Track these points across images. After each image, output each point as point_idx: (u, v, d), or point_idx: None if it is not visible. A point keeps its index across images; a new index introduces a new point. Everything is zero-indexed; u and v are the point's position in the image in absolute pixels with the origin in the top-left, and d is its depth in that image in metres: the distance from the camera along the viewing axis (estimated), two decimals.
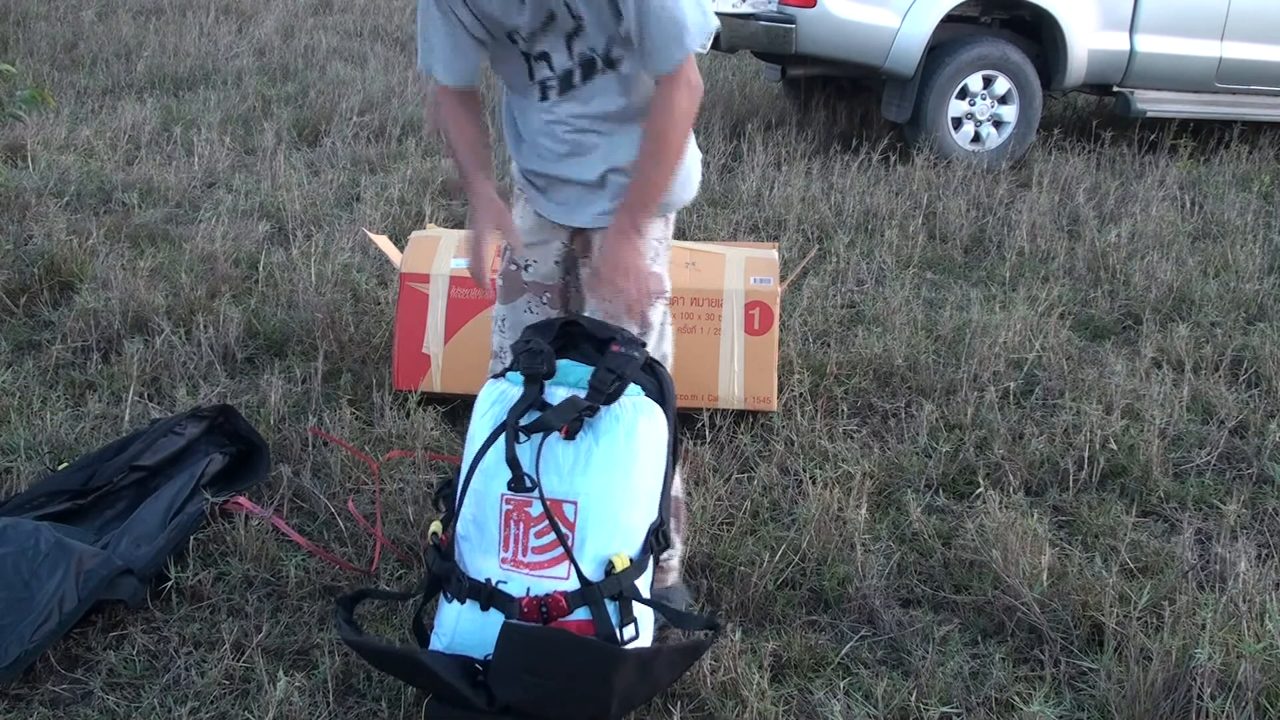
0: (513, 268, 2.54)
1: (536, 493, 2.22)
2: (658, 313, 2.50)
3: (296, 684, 2.34)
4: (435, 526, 2.40)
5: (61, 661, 2.44)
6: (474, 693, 2.18)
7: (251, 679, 2.41)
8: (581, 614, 2.24)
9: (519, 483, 2.22)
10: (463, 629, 2.28)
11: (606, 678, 2.15)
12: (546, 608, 2.23)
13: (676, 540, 2.62)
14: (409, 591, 2.62)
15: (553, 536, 2.24)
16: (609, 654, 2.17)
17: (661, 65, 2.20)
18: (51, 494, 2.80)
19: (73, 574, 2.44)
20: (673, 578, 2.64)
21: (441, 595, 2.34)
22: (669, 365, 2.53)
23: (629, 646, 2.25)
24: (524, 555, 2.26)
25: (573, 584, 2.24)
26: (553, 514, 2.22)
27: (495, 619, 2.23)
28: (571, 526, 2.24)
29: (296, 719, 2.28)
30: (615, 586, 2.24)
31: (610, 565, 2.25)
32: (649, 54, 2.19)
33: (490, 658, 2.20)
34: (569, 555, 2.22)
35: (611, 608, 2.25)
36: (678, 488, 2.57)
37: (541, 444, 2.25)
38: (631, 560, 2.27)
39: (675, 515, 2.58)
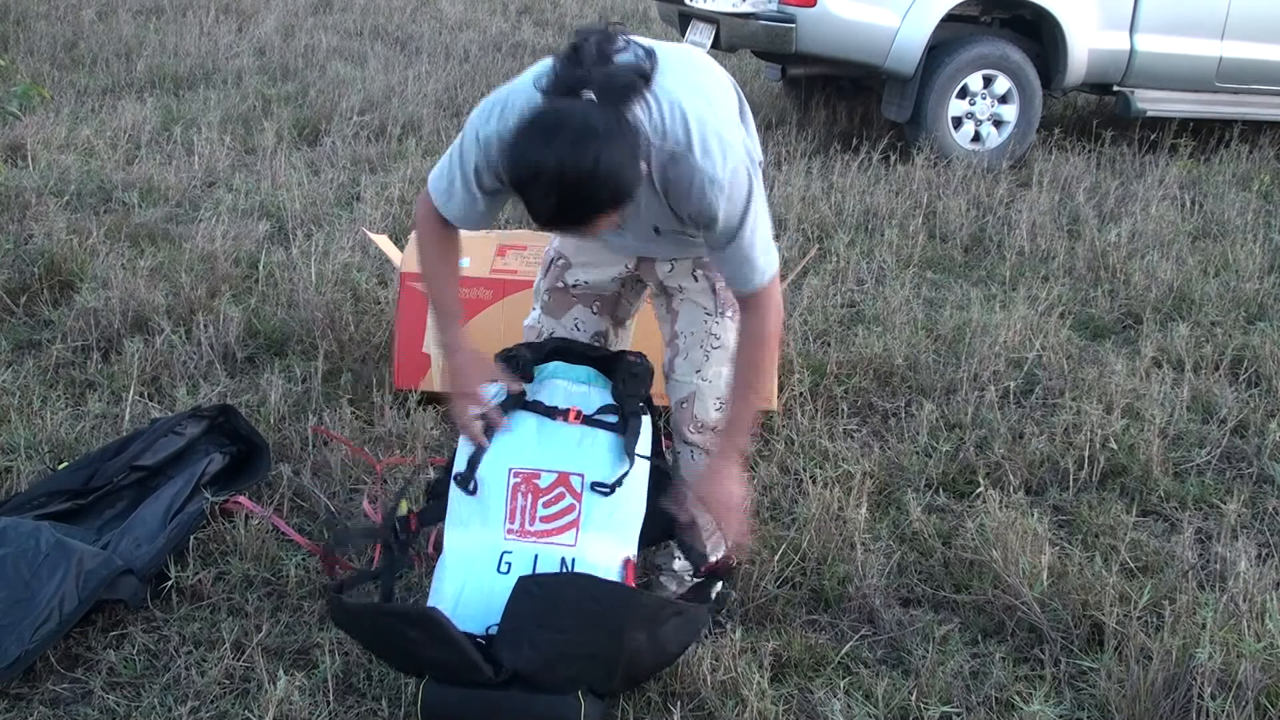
0: (560, 285, 2.52)
1: (541, 465, 2.35)
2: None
3: (296, 683, 2.34)
4: (404, 506, 2.44)
5: (61, 661, 2.44)
6: (482, 660, 2.18)
7: (251, 678, 2.41)
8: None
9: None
10: (467, 599, 2.27)
11: (619, 630, 2.16)
12: None
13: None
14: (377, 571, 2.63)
15: (561, 505, 2.32)
16: (625, 598, 2.21)
17: (738, 288, 2.28)
18: (52, 494, 2.80)
19: (73, 574, 2.44)
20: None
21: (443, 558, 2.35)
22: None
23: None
24: (531, 524, 2.32)
25: (579, 550, 2.30)
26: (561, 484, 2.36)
27: (504, 585, 2.24)
28: (579, 497, 2.33)
29: (296, 719, 2.28)
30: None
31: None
32: (727, 279, 2.27)
33: (494, 629, 2.21)
34: (576, 525, 2.31)
35: None
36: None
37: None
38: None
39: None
